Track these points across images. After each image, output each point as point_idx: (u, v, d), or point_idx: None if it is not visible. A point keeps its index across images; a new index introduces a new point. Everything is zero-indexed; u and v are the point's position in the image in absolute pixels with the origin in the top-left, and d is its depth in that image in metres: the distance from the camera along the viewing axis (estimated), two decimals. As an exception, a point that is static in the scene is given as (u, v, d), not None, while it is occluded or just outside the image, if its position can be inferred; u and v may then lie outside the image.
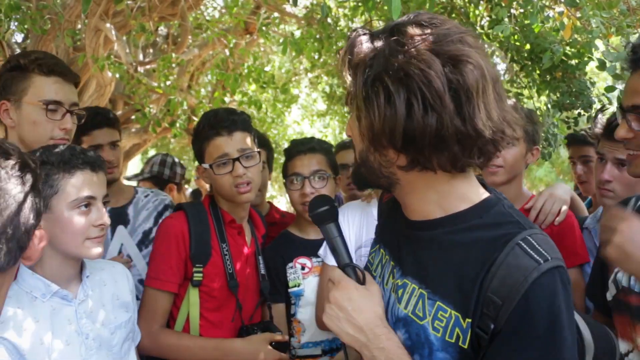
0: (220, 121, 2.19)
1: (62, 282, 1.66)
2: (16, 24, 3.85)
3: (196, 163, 2.32)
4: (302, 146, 2.41)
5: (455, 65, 1.07)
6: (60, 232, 1.62)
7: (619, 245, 1.40)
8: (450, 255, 1.18)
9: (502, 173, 2.28)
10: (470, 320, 1.12)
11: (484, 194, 1.23)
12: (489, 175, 2.29)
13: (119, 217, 2.58)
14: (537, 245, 1.11)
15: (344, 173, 2.80)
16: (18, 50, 4.98)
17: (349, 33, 1.21)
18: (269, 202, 3.13)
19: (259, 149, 2.26)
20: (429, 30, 1.10)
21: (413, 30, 1.11)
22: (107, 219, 1.68)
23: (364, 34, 1.17)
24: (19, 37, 5.45)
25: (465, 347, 1.12)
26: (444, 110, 1.06)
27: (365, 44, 1.14)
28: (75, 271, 1.71)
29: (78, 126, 2.48)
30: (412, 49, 1.08)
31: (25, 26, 3.76)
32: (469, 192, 1.22)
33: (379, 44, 1.13)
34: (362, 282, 1.28)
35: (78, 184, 1.63)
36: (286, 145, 2.85)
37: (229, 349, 2.09)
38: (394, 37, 1.11)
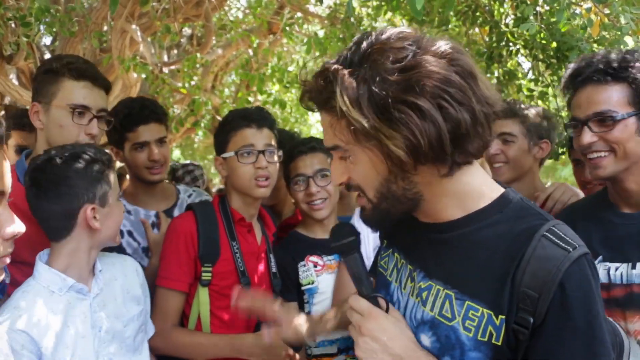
0: (252, 114, 2.22)
1: (77, 277, 1.69)
2: (45, 27, 3.93)
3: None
4: (302, 146, 2.39)
5: (449, 58, 1.10)
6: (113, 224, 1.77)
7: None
8: (476, 253, 1.18)
9: (507, 169, 2.33)
10: (504, 316, 1.12)
11: (500, 189, 1.24)
12: (495, 173, 2.32)
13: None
14: (563, 235, 1.13)
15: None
16: (47, 53, 5.08)
17: (315, 74, 1.18)
18: (294, 203, 3.14)
19: (280, 152, 2.28)
20: (404, 42, 1.10)
21: (395, 44, 1.10)
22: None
23: (339, 68, 1.12)
24: (47, 40, 5.56)
25: (499, 344, 1.12)
26: (470, 100, 1.09)
27: (349, 77, 1.10)
28: (89, 266, 1.74)
29: (121, 121, 2.41)
30: (409, 60, 1.08)
31: (54, 29, 3.84)
32: (485, 188, 1.23)
33: (365, 71, 1.10)
34: (386, 310, 1.26)
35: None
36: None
37: (242, 345, 2.09)
38: (379, 59, 1.09)
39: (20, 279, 1.83)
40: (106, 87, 2.10)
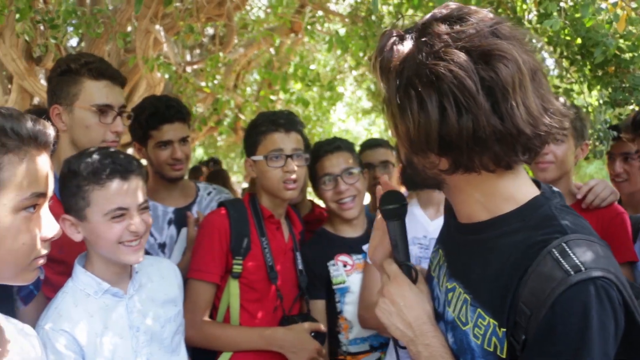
0: (281, 119, 2.28)
1: (113, 280, 1.72)
2: (72, 28, 4.00)
3: (242, 161, 2.38)
4: (327, 146, 2.44)
5: (487, 62, 1.03)
6: (97, 239, 1.67)
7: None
8: (491, 260, 1.15)
9: (553, 169, 2.27)
10: (504, 329, 1.08)
11: (533, 193, 1.17)
12: (540, 172, 2.26)
13: (183, 218, 2.53)
14: (571, 254, 1.03)
15: (370, 173, 2.80)
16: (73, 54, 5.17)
17: (381, 35, 1.17)
18: (310, 200, 3.15)
19: (307, 156, 2.32)
20: (458, 27, 1.06)
21: (440, 28, 1.06)
22: (141, 227, 1.69)
23: (393, 36, 1.13)
24: (74, 42, 5.65)
25: (504, 356, 1.08)
26: (479, 110, 1.02)
27: (395, 47, 1.11)
28: (124, 269, 1.77)
29: (145, 119, 2.47)
30: (441, 50, 1.04)
31: (80, 31, 3.90)
32: (516, 192, 1.16)
33: (408, 46, 1.09)
34: (414, 281, 1.31)
35: (108, 196, 1.65)
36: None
37: (272, 338, 2.14)
38: (422, 38, 1.07)
39: (49, 276, 1.89)
40: (123, 83, 2.15)
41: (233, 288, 2.20)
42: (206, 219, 2.29)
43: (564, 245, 1.04)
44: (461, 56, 1.02)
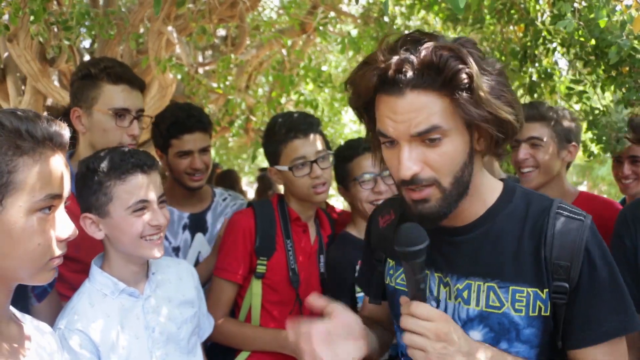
0: (297, 124, 2.24)
1: (130, 280, 1.74)
2: (85, 30, 4.03)
3: (253, 163, 2.38)
4: (365, 144, 2.36)
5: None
6: (120, 234, 1.69)
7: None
8: (503, 243, 1.30)
9: (537, 176, 2.30)
10: (547, 289, 1.26)
11: (497, 180, 1.40)
12: (525, 180, 2.28)
13: (198, 223, 2.56)
14: (570, 208, 1.31)
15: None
16: (87, 55, 5.21)
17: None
18: (325, 202, 3.15)
19: (330, 151, 2.30)
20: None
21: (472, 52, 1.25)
22: (162, 220, 1.72)
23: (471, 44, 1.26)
24: (86, 43, 5.70)
25: (548, 314, 1.27)
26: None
27: (474, 64, 1.21)
28: (141, 269, 1.79)
29: (167, 128, 2.50)
30: (496, 64, 1.27)
31: (93, 32, 3.93)
32: (493, 182, 1.38)
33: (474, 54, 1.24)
34: None
35: (130, 189, 1.68)
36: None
37: (286, 341, 2.12)
38: (474, 59, 1.22)
39: (65, 273, 1.90)
40: (141, 87, 2.17)
41: (256, 288, 2.22)
42: (233, 219, 2.31)
43: (561, 204, 1.32)
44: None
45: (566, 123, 2.36)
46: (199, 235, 2.56)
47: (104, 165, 1.68)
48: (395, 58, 1.18)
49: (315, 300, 1.41)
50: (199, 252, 2.56)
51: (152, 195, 1.71)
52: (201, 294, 2.01)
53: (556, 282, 1.26)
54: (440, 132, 1.20)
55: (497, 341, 1.29)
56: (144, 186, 1.70)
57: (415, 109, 1.18)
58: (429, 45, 1.18)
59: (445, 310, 1.34)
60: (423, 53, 1.17)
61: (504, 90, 1.24)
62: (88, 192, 1.70)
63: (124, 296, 1.73)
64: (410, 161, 1.21)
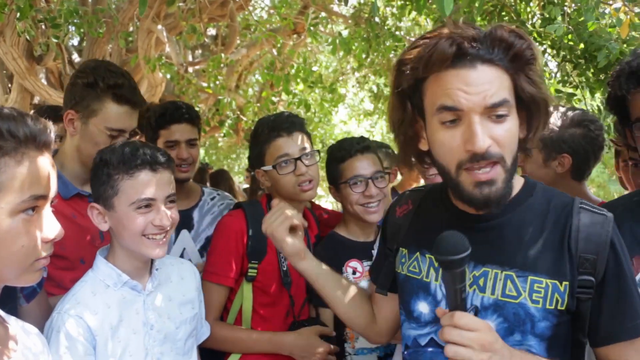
0: (280, 123, 2.22)
1: (133, 274, 1.72)
2: (74, 28, 4.00)
3: (243, 163, 2.36)
4: (357, 146, 2.33)
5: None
6: (122, 229, 1.68)
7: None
8: (525, 233, 1.29)
9: None
10: (567, 282, 1.24)
11: (520, 178, 1.39)
12: None
13: (184, 220, 2.46)
14: (591, 204, 1.31)
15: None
16: (75, 53, 5.17)
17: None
18: (310, 201, 3.13)
19: (317, 149, 2.29)
20: None
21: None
22: (166, 222, 1.69)
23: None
24: (75, 41, 5.66)
25: (563, 308, 1.24)
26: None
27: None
28: (145, 264, 1.77)
29: (156, 119, 2.51)
30: None
31: (82, 30, 3.91)
32: (514, 179, 1.35)
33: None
34: None
35: (136, 186, 1.66)
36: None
37: (281, 342, 2.12)
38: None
39: (51, 272, 1.88)
40: (142, 106, 2.14)
41: (246, 291, 2.19)
42: (223, 221, 2.27)
43: (582, 201, 1.31)
44: None
45: (558, 132, 2.28)
46: (184, 232, 2.54)
47: (114, 157, 1.67)
48: (470, 30, 1.21)
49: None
50: (183, 249, 2.53)
51: (159, 194, 1.68)
52: (201, 296, 2.00)
53: (582, 275, 1.24)
54: (508, 107, 1.21)
55: (510, 332, 1.26)
56: (150, 184, 1.67)
57: (489, 81, 1.20)
58: (495, 25, 1.24)
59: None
60: (495, 30, 1.22)
61: (543, 79, 1.30)
62: (98, 183, 1.69)
63: (126, 289, 1.71)
64: (484, 134, 1.20)
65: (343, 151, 2.34)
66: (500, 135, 1.21)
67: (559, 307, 1.24)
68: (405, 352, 1.47)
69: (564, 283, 1.24)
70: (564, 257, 1.25)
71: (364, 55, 5.51)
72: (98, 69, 2.06)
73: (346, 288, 1.72)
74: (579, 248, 1.24)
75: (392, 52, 5.14)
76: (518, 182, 1.35)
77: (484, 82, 1.20)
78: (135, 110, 2.08)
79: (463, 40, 1.20)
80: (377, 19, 4.41)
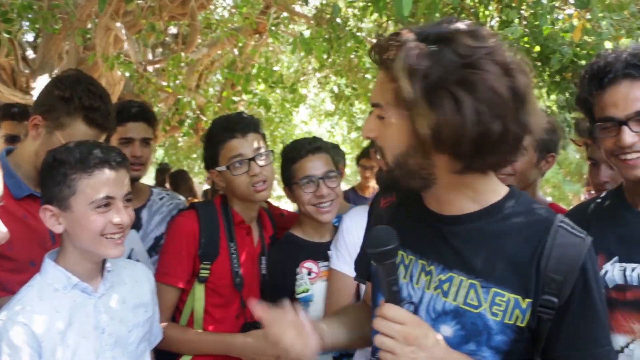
0: (234, 124, 2.22)
1: (84, 276, 1.68)
2: (28, 23, 3.89)
3: (202, 163, 2.34)
4: (308, 146, 2.35)
5: (509, 74, 1.16)
6: (80, 230, 1.63)
7: None
8: (497, 243, 1.27)
9: (512, 182, 2.28)
10: (530, 300, 1.22)
11: (505, 186, 1.35)
12: None
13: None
14: (572, 225, 1.27)
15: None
16: (29, 49, 5.02)
17: (391, 34, 1.24)
18: (266, 202, 3.13)
19: (270, 150, 2.29)
20: (480, 42, 1.17)
21: (467, 41, 1.16)
22: (125, 219, 1.67)
23: (413, 38, 1.19)
24: (30, 36, 5.49)
25: (524, 325, 1.23)
26: (508, 116, 1.15)
27: (418, 49, 1.16)
28: (97, 266, 1.73)
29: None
30: (477, 59, 1.14)
31: (37, 26, 3.80)
32: (496, 186, 1.33)
33: (434, 50, 1.15)
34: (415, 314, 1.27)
35: (95, 185, 1.63)
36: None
37: (232, 344, 2.12)
38: (452, 46, 1.15)
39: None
40: (110, 132, 2.10)
41: (198, 292, 2.17)
42: (175, 221, 2.25)
43: (564, 219, 1.27)
44: (493, 67, 1.14)
45: (549, 133, 2.29)
46: (132, 232, 2.49)
47: (71, 157, 1.62)
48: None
49: (256, 308, 1.39)
50: (131, 249, 2.50)
51: (118, 193, 1.65)
52: (156, 299, 1.97)
53: (546, 295, 1.22)
54: (381, 109, 1.27)
55: (466, 341, 1.26)
56: (109, 182, 1.64)
57: (377, 84, 1.28)
58: (397, 32, 1.26)
59: (422, 299, 1.32)
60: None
61: None
62: (52, 183, 1.63)
63: (76, 292, 1.66)
64: (368, 127, 1.29)
65: (294, 152, 2.35)
66: (380, 134, 1.29)
67: (518, 324, 1.23)
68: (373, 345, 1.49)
69: (526, 300, 1.22)
70: (531, 274, 1.22)
71: (325, 56, 5.54)
72: (77, 86, 1.99)
73: (355, 325, 1.64)
74: (549, 267, 1.22)
75: (353, 53, 5.19)
76: (498, 191, 1.32)
77: (377, 85, 1.31)
78: (103, 134, 2.04)
79: (376, 46, 1.29)
80: (338, 20, 4.44)
